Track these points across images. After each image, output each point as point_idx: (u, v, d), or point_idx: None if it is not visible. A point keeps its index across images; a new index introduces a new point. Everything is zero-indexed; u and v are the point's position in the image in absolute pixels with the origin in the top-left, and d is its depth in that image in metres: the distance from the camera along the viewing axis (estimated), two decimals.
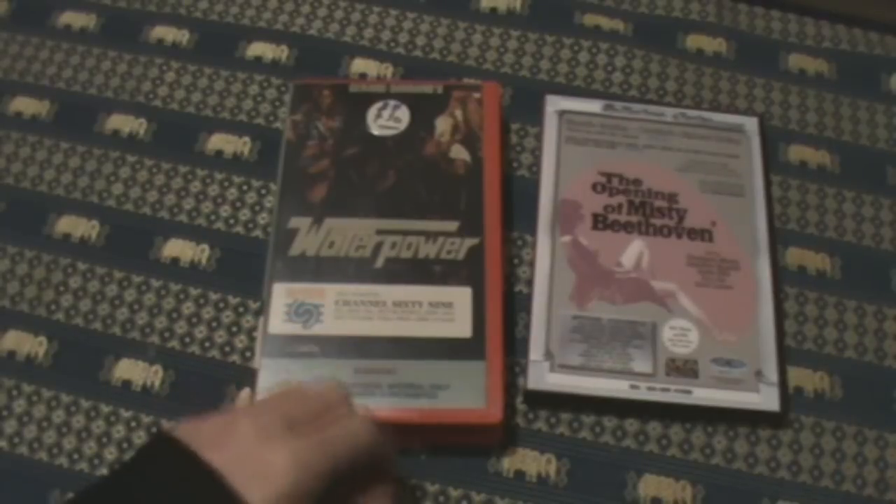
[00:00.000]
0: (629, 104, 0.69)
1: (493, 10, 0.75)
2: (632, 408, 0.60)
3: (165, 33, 0.74)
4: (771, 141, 0.69)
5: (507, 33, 0.74)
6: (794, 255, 0.66)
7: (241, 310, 0.63)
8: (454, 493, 0.58)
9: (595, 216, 0.65)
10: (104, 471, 0.58)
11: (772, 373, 0.60)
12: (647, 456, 0.59)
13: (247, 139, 0.69)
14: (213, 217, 0.66)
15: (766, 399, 0.59)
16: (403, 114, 0.66)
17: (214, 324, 0.62)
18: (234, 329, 0.62)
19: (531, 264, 0.64)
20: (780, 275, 0.64)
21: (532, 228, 0.65)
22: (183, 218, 0.66)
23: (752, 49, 0.74)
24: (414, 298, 0.60)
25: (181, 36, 0.73)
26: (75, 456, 0.58)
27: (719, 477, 0.59)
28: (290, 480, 0.42)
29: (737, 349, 0.60)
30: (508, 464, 0.59)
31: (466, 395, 0.57)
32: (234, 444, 0.42)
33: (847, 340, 0.63)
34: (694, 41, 0.74)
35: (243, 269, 0.64)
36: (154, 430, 0.59)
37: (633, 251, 0.64)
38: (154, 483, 0.42)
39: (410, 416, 0.56)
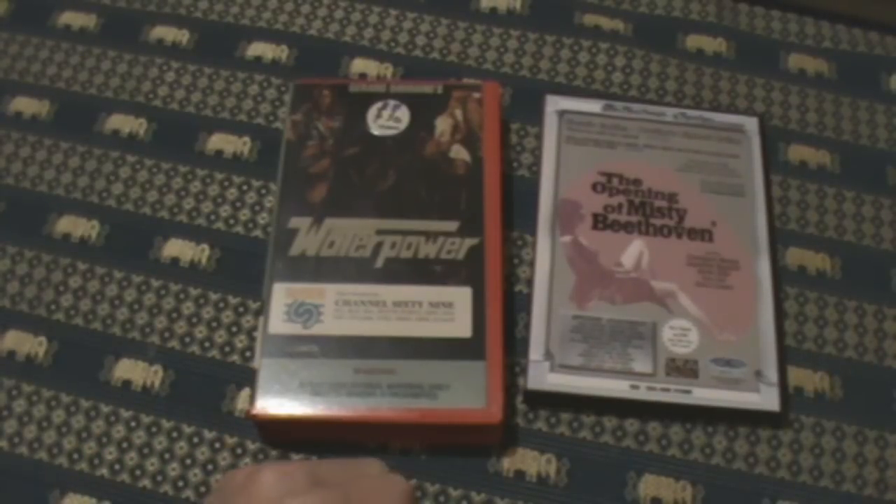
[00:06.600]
0: (629, 104, 0.69)
1: (493, 10, 0.75)
2: (632, 408, 0.60)
3: (165, 33, 0.74)
4: (771, 141, 0.69)
5: (507, 33, 0.74)
6: (794, 255, 0.66)
7: (241, 310, 0.63)
8: (454, 493, 0.58)
9: (595, 216, 0.65)
10: (104, 471, 0.58)
11: (772, 373, 0.60)
12: (647, 456, 0.59)
13: (247, 139, 0.69)
14: (213, 217, 0.66)
15: (766, 399, 0.59)
16: (403, 114, 0.66)
17: (214, 324, 0.62)
18: (234, 329, 0.62)
19: (531, 264, 0.64)
20: (780, 275, 0.64)
21: (532, 228, 0.65)
22: (183, 218, 0.66)
23: (752, 49, 0.74)
24: (414, 298, 0.60)
25: (181, 36, 0.73)
26: (75, 456, 0.58)
27: (719, 477, 0.59)
28: None
29: (737, 349, 0.60)
30: (508, 464, 0.59)
31: (466, 395, 0.57)
32: (257, 490, 0.43)
33: (847, 340, 0.63)
34: (694, 41, 0.74)
35: (243, 269, 0.64)
36: (154, 430, 0.59)
37: (633, 251, 0.64)
38: None
39: (410, 416, 0.56)
